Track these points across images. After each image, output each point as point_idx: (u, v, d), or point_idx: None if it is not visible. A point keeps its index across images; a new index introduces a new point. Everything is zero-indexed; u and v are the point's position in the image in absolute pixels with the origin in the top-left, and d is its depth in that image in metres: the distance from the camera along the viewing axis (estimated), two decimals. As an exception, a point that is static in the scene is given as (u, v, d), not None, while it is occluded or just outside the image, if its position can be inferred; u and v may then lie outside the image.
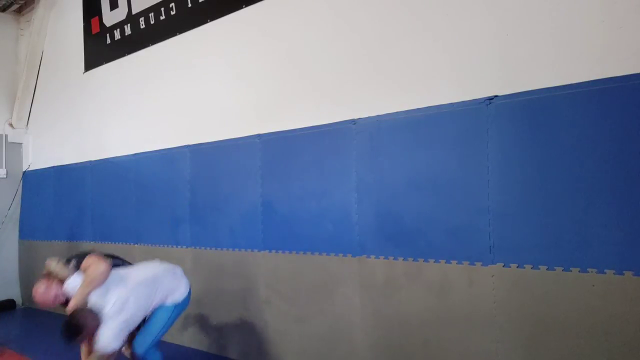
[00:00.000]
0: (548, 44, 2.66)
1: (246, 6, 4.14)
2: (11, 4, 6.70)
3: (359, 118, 3.39)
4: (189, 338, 4.39)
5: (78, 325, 2.77)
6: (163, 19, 4.90)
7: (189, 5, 4.63)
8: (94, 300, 2.90)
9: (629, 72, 2.38)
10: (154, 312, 3.19)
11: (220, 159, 4.28)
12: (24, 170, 6.82)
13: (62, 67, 6.34)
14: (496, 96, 2.80)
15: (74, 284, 2.99)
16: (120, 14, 5.39)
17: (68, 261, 3.17)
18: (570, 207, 2.53)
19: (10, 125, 6.82)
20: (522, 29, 2.75)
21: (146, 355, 3.15)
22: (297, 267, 3.71)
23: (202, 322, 4.20)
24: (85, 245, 5.57)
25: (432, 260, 3.01)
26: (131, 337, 3.19)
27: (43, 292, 2.98)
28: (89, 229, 5.58)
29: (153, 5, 4.98)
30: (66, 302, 2.98)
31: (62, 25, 6.38)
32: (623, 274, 2.37)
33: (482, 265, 2.82)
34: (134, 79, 5.26)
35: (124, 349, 3.19)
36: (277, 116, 3.90)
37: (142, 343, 3.15)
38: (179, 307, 3.27)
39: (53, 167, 6.27)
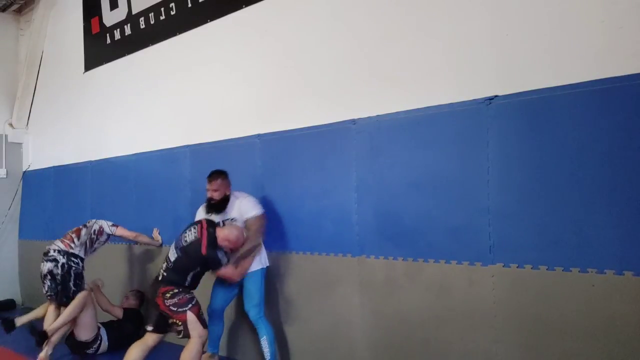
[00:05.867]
0: (548, 44, 2.66)
1: (246, 6, 4.14)
2: (11, 4, 6.70)
3: (359, 118, 3.39)
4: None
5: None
6: (163, 19, 4.90)
7: (189, 5, 4.63)
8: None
9: (629, 72, 2.38)
10: (246, 279, 3.58)
11: (220, 159, 4.27)
12: (24, 170, 6.82)
13: (62, 67, 6.34)
14: (496, 96, 2.80)
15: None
16: (120, 14, 5.39)
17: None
18: (570, 207, 2.53)
19: (10, 125, 6.82)
20: (522, 29, 2.75)
21: (259, 323, 3.54)
22: (297, 267, 3.70)
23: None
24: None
25: (432, 260, 3.01)
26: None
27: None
28: (89, 229, 5.58)
29: (153, 5, 4.98)
30: None
31: (62, 25, 6.38)
32: (623, 274, 2.37)
33: (482, 265, 2.82)
34: (134, 79, 5.26)
35: None
36: (277, 116, 3.90)
37: (251, 307, 3.57)
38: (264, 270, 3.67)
39: (53, 167, 6.27)
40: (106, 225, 4.55)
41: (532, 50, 2.71)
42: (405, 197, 3.14)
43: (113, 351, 4.29)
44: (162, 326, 3.38)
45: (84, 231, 4.42)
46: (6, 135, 6.76)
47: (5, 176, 6.69)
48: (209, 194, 3.59)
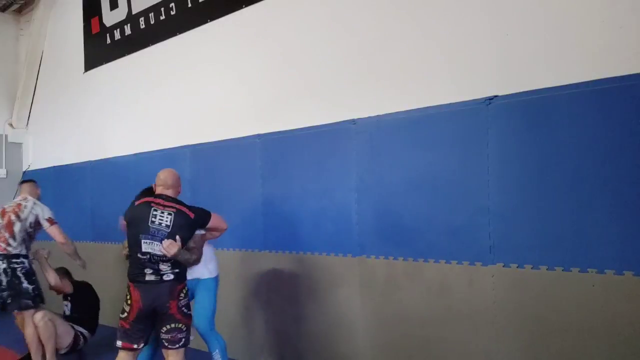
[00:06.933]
0: (548, 44, 2.66)
1: (246, 6, 4.14)
2: (11, 4, 6.71)
3: (359, 118, 3.39)
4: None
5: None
6: (163, 19, 4.90)
7: (189, 5, 4.63)
8: None
9: (629, 72, 2.38)
10: (198, 287, 3.29)
11: (221, 159, 4.28)
12: (24, 170, 6.82)
13: (62, 67, 6.35)
14: (496, 96, 2.80)
15: None
16: (120, 14, 5.40)
17: None
18: (570, 207, 2.54)
19: (10, 125, 6.82)
20: (522, 29, 2.75)
21: (211, 336, 3.25)
22: (297, 267, 3.71)
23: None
24: (86, 246, 5.57)
25: (432, 260, 3.01)
26: None
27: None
28: (89, 229, 5.58)
29: (153, 5, 4.98)
30: None
31: (62, 25, 6.39)
32: (623, 274, 2.37)
33: (482, 265, 2.82)
34: (134, 79, 5.26)
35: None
36: (277, 116, 3.90)
37: (203, 319, 3.25)
38: (217, 279, 3.40)
39: (53, 167, 6.27)
40: (41, 217, 3.95)
41: (532, 50, 2.71)
42: (405, 197, 3.14)
43: (95, 334, 4.24)
44: (148, 338, 2.92)
45: (17, 227, 3.84)
46: (6, 135, 6.77)
47: (5, 176, 6.69)
48: None
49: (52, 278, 4.03)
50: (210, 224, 3.00)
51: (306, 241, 3.65)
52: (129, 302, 2.81)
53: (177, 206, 2.87)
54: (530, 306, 2.65)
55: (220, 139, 4.29)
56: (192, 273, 3.21)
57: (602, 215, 2.44)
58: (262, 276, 3.92)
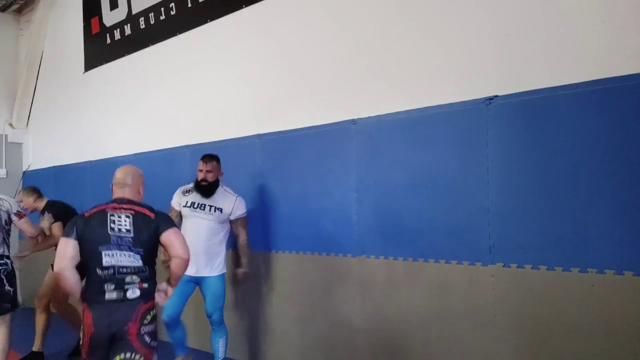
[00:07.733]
0: (548, 44, 2.66)
1: (246, 6, 4.14)
2: (11, 4, 6.71)
3: (359, 118, 3.39)
4: (188, 338, 4.39)
5: None
6: (163, 19, 4.90)
7: (189, 5, 4.63)
8: None
9: (629, 72, 2.38)
10: (210, 281, 3.49)
11: (220, 158, 4.27)
12: (24, 170, 6.82)
13: (62, 67, 6.35)
14: (496, 96, 2.80)
15: None
16: (120, 14, 5.40)
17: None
18: (569, 207, 2.54)
19: (10, 125, 6.83)
20: (522, 29, 2.75)
21: (221, 326, 3.56)
22: (297, 267, 3.71)
23: (202, 322, 4.20)
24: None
25: (432, 260, 3.01)
26: None
27: None
28: (89, 229, 5.57)
29: (153, 5, 4.98)
30: None
31: (62, 25, 6.39)
32: (623, 274, 2.37)
33: (482, 265, 2.82)
34: (134, 79, 5.26)
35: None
36: (276, 116, 3.90)
37: (219, 310, 3.52)
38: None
39: (53, 167, 6.28)
40: (11, 212, 3.67)
41: (532, 50, 2.71)
42: (405, 197, 3.14)
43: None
44: None
45: None
46: (6, 135, 6.78)
47: (5, 176, 6.69)
48: (201, 175, 3.48)
49: (54, 240, 3.75)
50: (165, 236, 2.48)
51: (306, 241, 3.65)
52: (81, 328, 2.42)
53: (135, 207, 2.54)
54: (530, 306, 2.65)
55: (220, 139, 4.29)
56: (215, 268, 3.49)
57: (602, 215, 2.44)
58: (261, 276, 3.91)
